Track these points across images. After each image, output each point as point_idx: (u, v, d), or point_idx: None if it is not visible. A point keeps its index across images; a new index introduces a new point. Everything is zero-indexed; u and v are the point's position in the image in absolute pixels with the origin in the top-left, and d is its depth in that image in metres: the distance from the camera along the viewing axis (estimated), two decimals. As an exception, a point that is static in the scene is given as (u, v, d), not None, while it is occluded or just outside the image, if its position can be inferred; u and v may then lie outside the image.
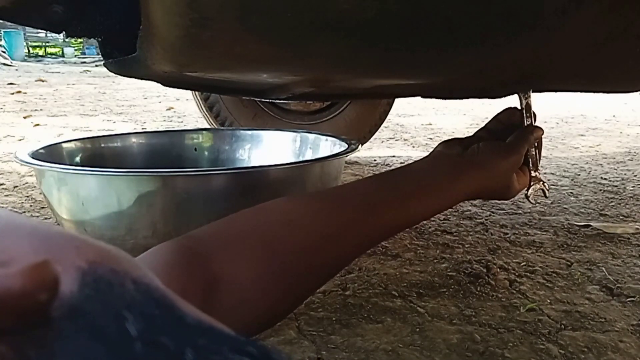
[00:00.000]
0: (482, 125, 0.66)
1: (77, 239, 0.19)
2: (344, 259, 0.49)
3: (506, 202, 1.28)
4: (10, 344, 0.14)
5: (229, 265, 0.40)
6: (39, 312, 0.15)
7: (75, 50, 14.63)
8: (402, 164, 1.63)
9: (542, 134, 0.64)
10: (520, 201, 1.28)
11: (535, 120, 0.65)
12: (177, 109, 3.30)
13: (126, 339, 0.14)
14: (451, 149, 0.59)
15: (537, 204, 1.26)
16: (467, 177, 0.56)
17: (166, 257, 0.38)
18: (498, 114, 0.66)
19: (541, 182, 0.65)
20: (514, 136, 0.61)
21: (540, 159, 0.66)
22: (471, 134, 0.64)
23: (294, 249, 0.44)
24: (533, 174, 0.64)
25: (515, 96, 0.67)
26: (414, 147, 2.11)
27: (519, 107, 0.65)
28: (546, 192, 0.65)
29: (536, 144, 0.64)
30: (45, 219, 1.12)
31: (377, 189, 0.52)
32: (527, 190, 0.64)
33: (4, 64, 8.77)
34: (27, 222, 0.19)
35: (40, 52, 14.74)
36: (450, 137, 0.62)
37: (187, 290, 0.36)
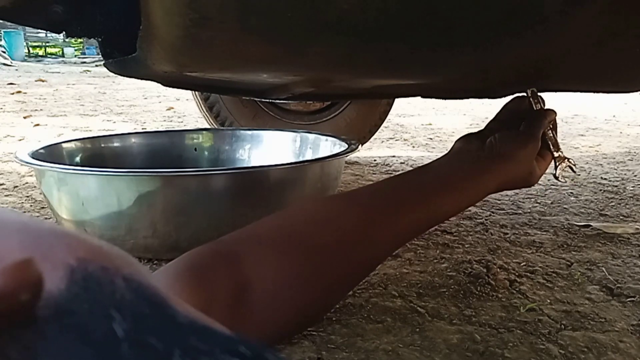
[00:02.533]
0: (485, 121, 0.67)
1: (68, 236, 0.19)
2: (373, 258, 0.49)
3: (506, 202, 1.28)
4: None
5: (258, 267, 0.40)
6: (21, 313, 0.15)
7: (75, 50, 14.63)
8: (403, 164, 1.63)
9: (555, 115, 0.64)
10: (520, 201, 1.28)
11: (544, 104, 0.65)
12: (177, 109, 3.30)
13: (112, 339, 0.14)
14: (470, 144, 0.59)
15: (537, 204, 1.26)
16: (491, 170, 0.55)
17: (195, 261, 0.38)
18: (507, 104, 0.66)
19: (567, 160, 0.65)
20: (527, 122, 0.60)
21: (557, 138, 0.66)
22: (482, 128, 0.64)
23: (322, 248, 0.44)
24: (556, 154, 0.64)
25: (513, 95, 0.67)
26: (414, 147, 2.11)
27: (526, 94, 0.65)
28: (574, 168, 0.66)
29: (551, 126, 0.64)
30: (46, 219, 1.12)
31: (400, 188, 0.52)
32: (555, 170, 0.64)
33: (4, 64, 8.78)
34: (18, 218, 0.19)
35: (40, 52, 14.74)
36: (468, 133, 0.61)
37: (217, 293, 0.36)
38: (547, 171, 0.66)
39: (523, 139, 0.58)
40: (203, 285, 0.35)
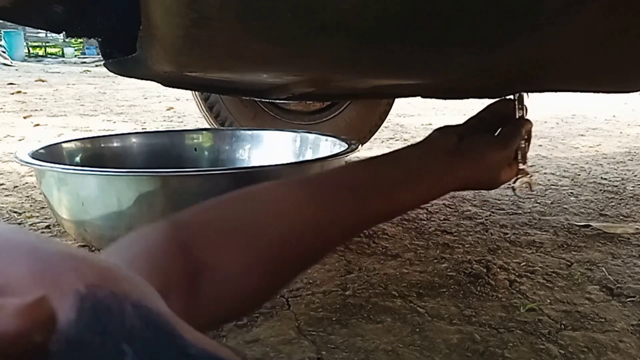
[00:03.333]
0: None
1: (75, 259, 0.18)
2: (329, 247, 0.49)
3: (506, 202, 1.28)
4: None
5: (213, 254, 0.40)
6: (35, 352, 0.14)
7: (75, 50, 14.63)
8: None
9: (532, 126, 0.64)
10: (520, 201, 1.28)
11: (526, 113, 0.64)
12: (177, 109, 3.30)
13: None
14: (446, 136, 0.58)
15: (537, 204, 1.26)
16: (460, 169, 0.55)
17: (150, 244, 0.38)
18: (491, 104, 0.65)
19: (528, 176, 0.65)
20: (507, 130, 0.60)
21: (528, 151, 0.66)
22: (462, 122, 0.63)
23: (280, 240, 0.44)
24: (521, 166, 0.64)
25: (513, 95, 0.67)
26: (414, 147, 2.11)
27: (513, 98, 0.65)
28: (532, 185, 0.65)
29: (526, 137, 0.64)
30: (45, 219, 1.12)
31: (367, 176, 0.51)
32: (514, 182, 0.64)
33: (4, 64, 8.77)
34: (25, 240, 0.18)
35: (40, 52, 14.74)
36: (446, 125, 0.61)
37: (171, 278, 0.35)
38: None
39: (499, 146, 0.58)
40: (157, 270, 0.35)
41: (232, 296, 0.41)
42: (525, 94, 0.65)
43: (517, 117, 0.63)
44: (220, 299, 0.39)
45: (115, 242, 0.38)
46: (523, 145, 0.63)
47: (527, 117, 0.65)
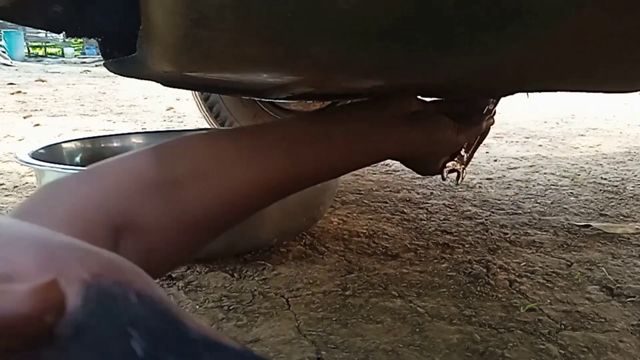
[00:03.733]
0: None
1: (79, 249, 0.19)
2: (253, 211, 0.47)
3: (506, 202, 1.28)
4: None
5: (139, 213, 0.39)
6: (44, 333, 0.15)
7: (75, 50, 14.63)
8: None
9: (492, 124, 0.62)
10: (520, 201, 1.28)
11: (494, 112, 0.63)
12: (177, 109, 3.30)
13: (132, 357, 0.14)
14: (407, 103, 0.55)
15: (537, 204, 1.26)
16: (408, 138, 0.52)
17: (69, 207, 0.36)
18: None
19: (461, 166, 0.62)
20: (473, 120, 0.58)
21: (477, 148, 0.64)
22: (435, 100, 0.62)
23: (206, 207, 0.43)
24: (462, 152, 0.61)
25: (514, 95, 0.67)
26: (414, 147, 2.11)
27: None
28: (460, 176, 0.62)
29: (482, 131, 0.62)
30: (45, 219, 1.12)
31: (305, 141, 0.48)
32: (442, 169, 0.61)
33: (4, 64, 8.77)
34: (31, 231, 0.19)
35: (40, 52, 14.74)
36: (419, 97, 0.59)
37: (96, 234, 0.35)
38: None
39: (454, 127, 0.56)
40: (82, 236, 0.34)
41: (153, 255, 0.39)
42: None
43: (481, 112, 0.62)
44: (141, 257, 0.38)
45: (30, 199, 0.36)
46: (473, 140, 0.61)
47: (497, 115, 0.64)
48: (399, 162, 0.57)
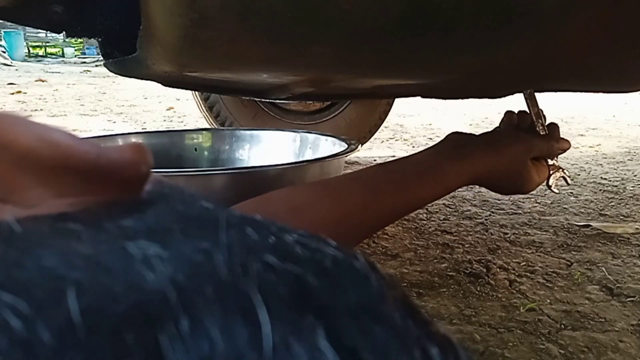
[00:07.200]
0: (485, 121, 0.66)
1: None
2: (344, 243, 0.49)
3: (506, 202, 1.28)
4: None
5: None
6: (141, 181, 0.17)
7: (75, 50, 14.63)
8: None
9: (569, 147, 0.63)
10: (520, 201, 1.28)
11: (545, 120, 0.64)
12: (177, 109, 3.30)
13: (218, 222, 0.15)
14: (460, 135, 0.58)
15: (537, 204, 1.26)
16: (474, 157, 0.54)
17: None
18: (503, 118, 0.66)
19: (561, 170, 0.64)
20: (535, 136, 0.60)
21: (560, 152, 0.65)
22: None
23: None
24: (550, 162, 0.63)
25: (514, 95, 0.67)
26: (414, 147, 2.11)
27: (527, 111, 0.65)
28: (567, 179, 0.64)
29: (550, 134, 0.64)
30: (45, 219, 1.12)
31: (379, 176, 0.51)
32: (548, 180, 0.63)
33: (4, 64, 8.77)
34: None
35: (40, 52, 14.74)
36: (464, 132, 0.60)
37: None
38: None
39: (516, 136, 0.57)
40: None
41: None
42: (539, 108, 0.64)
43: (537, 129, 0.63)
44: None
45: None
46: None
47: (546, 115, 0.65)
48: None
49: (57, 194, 0.16)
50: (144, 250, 0.12)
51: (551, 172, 0.63)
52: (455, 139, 0.57)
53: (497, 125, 0.66)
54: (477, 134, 0.60)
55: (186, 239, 0.13)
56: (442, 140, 0.58)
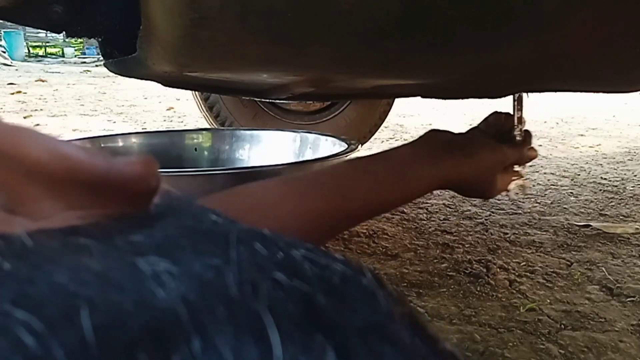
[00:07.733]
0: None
1: None
2: (312, 241, 0.48)
3: (506, 202, 1.28)
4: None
5: None
6: (150, 196, 0.18)
7: (75, 50, 14.63)
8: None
9: (536, 157, 0.64)
10: (520, 201, 1.28)
11: (524, 125, 0.64)
12: (177, 109, 3.30)
13: (227, 236, 0.15)
14: (439, 134, 0.58)
15: (537, 204, 1.26)
16: (448, 162, 0.54)
17: None
18: (487, 117, 0.66)
19: (522, 178, 0.64)
20: (509, 145, 0.61)
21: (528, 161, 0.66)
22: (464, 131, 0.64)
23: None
24: (516, 168, 0.63)
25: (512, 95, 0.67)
26: (414, 147, 2.11)
27: (512, 114, 0.65)
28: (526, 189, 0.65)
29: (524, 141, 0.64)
30: (45, 219, 1.12)
31: (351, 175, 0.51)
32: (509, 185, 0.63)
33: (4, 64, 8.77)
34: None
35: (40, 52, 14.74)
36: (443, 129, 0.61)
37: None
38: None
39: (492, 145, 0.57)
40: None
41: None
42: (522, 113, 0.65)
43: (514, 132, 0.63)
44: None
45: None
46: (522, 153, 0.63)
47: (527, 121, 0.66)
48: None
49: (66, 206, 0.16)
50: (154, 266, 0.12)
51: (514, 178, 0.63)
52: (433, 139, 0.57)
53: (474, 127, 0.66)
54: (456, 132, 0.60)
55: (196, 255, 0.13)
56: (419, 139, 0.57)
